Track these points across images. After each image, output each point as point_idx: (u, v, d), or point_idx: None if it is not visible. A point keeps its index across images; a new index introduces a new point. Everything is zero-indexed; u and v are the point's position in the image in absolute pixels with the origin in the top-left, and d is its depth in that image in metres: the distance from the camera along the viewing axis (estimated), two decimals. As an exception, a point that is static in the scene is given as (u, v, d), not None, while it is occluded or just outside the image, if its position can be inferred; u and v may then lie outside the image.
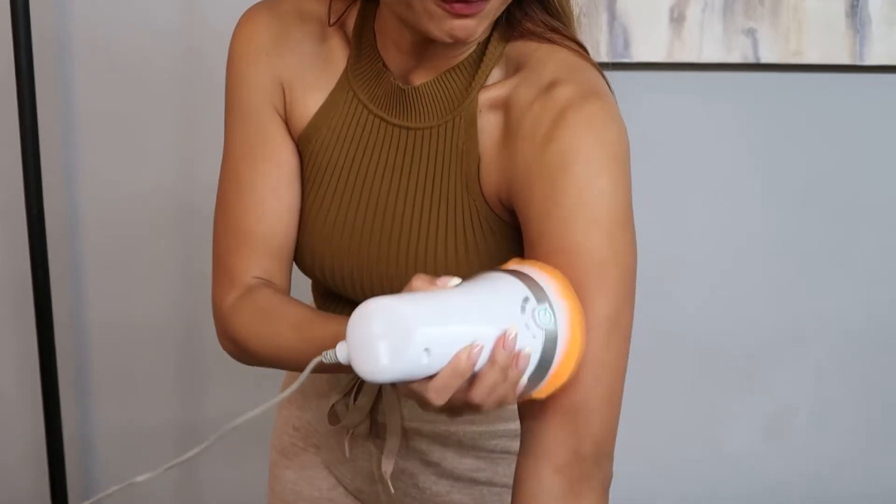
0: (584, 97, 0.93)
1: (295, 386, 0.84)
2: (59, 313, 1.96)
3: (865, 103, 1.95)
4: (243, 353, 1.08)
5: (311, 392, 1.24)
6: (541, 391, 0.88)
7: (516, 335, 0.82)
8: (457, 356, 0.80)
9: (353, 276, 1.07)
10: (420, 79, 1.01)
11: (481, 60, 0.99)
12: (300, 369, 0.89)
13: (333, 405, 1.19)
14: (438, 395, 0.81)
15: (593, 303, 0.90)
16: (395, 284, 1.03)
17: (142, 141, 1.94)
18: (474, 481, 1.20)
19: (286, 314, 1.04)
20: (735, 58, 1.88)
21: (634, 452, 2.08)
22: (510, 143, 0.96)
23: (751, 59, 1.88)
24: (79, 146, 1.95)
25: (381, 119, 1.03)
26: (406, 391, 0.83)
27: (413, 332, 0.77)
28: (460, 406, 0.84)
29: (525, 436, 0.94)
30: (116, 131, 1.94)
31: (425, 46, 0.98)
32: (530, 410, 0.93)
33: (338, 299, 1.12)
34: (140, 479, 0.87)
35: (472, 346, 0.80)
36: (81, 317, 2.04)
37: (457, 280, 0.84)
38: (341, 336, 0.84)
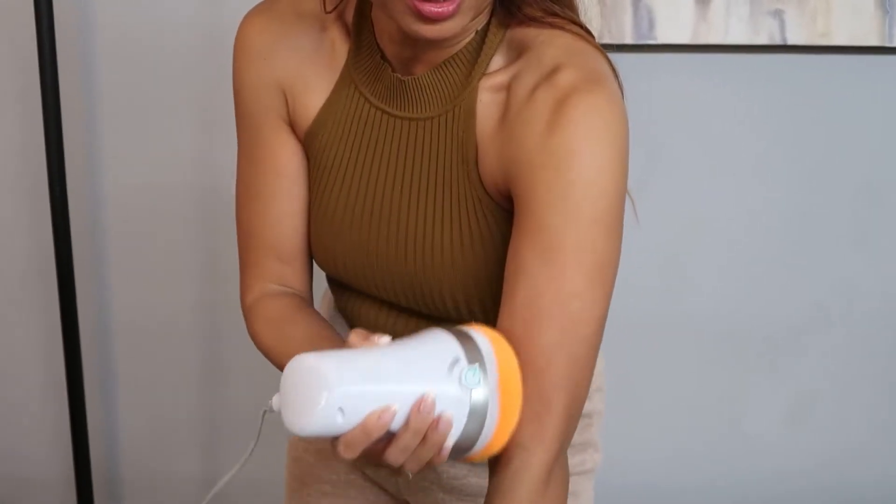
0: (587, 84, 0.92)
1: (247, 453, 0.91)
2: (84, 306, 1.97)
3: (894, 85, 1.93)
4: (265, 354, 1.12)
5: None
6: (474, 455, 0.88)
7: (433, 400, 0.82)
8: (368, 417, 0.81)
9: (365, 271, 1.07)
10: (420, 69, 1.00)
11: (481, 48, 0.98)
12: None
13: None
14: (347, 450, 0.82)
15: (587, 306, 0.91)
16: (402, 280, 1.04)
17: (165, 133, 1.95)
18: (490, 465, 1.20)
19: (296, 325, 1.07)
20: (762, 39, 1.87)
21: (653, 438, 2.09)
22: (509, 129, 0.95)
23: (778, 41, 1.87)
24: (102, 140, 1.96)
25: (384, 112, 1.03)
26: (331, 447, 0.85)
27: (329, 392, 0.79)
28: (376, 461, 0.85)
29: (508, 450, 0.93)
30: (140, 124, 1.95)
31: (416, 41, 0.96)
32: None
33: (352, 291, 1.13)
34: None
35: (385, 409, 0.81)
36: (106, 309, 2.06)
37: (387, 339, 0.85)
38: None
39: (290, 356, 0.96)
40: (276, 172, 1.08)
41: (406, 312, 1.09)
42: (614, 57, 0.99)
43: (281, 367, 1.02)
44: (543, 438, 0.92)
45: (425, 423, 0.82)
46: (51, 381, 2.07)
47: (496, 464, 0.93)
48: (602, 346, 1.18)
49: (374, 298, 1.10)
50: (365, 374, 0.82)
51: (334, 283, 1.17)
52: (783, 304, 2.04)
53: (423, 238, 1.02)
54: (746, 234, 2.01)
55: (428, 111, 1.00)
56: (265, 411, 0.86)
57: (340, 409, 0.80)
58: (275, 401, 0.84)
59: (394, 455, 0.84)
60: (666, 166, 1.92)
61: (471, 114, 0.98)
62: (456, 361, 0.84)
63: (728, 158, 1.97)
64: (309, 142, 1.07)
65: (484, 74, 0.98)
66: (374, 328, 1.06)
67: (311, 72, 1.06)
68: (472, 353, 0.85)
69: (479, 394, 0.84)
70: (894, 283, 2.04)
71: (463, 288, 1.02)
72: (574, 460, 1.13)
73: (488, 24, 0.99)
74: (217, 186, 1.91)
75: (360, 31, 1.03)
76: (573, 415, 0.94)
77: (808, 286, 2.04)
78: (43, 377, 2.08)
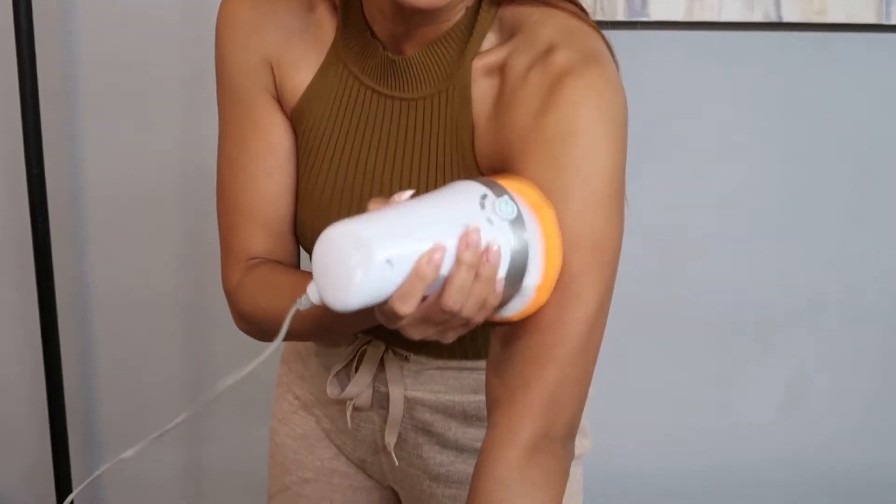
0: (583, 63, 0.91)
1: (276, 342, 0.84)
2: (62, 278, 1.96)
3: (891, 63, 1.92)
4: (254, 328, 1.08)
5: (313, 361, 1.23)
6: (527, 300, 0.87)
7: (478, 229, 0.81)
8: (418, 261, 0.80)
9: None
10: (411, 48, 0.99)
11: (473, 26, 0.97)
12: (306, 336, 0.95)
13: (335, 375, 1.18)
14: (403, 303, 0.80)
15: (586, 287, 0.90)
16: None
17: (147, 105, 1.93)
18: (478, 452, 1.18)
19: (284, 282, 1.04)
20: (756, 17, 1.85)
21: (643, 424, 2.09)
22: (505, 111, 0.94)
23: (773, 18, 1.85)
24: (81, 114, 1.94)
25: (374, 91, 1.02)
26: (381, 315, 0.83)
27: (371, 247, 0.77)
28: (441, 319, 0.83)
29: (492, 420, 0.92)
30: (121, 93, 1.93)
31: (409, 15, 0.95)
32: (502, 395, 0.92)
33: None
34: (128, 454, 0.87)
35: (433, 250, 0.80)
36: (84, 281, 2.04)
37: (410, 192, 0.84)
38: None
39: (283, 303, 0.94)
40: (267, 148, 1.06)
41: None
42: (606, 35, 0.98)
43: (275, 331, 1.01)
44: (523, 414, 0.90)
45: (476, 256, 0.81)
46: (28, 356, 2.06)
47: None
48: None
49: None
50: (402, 225, 0.81)
51: None
52: (776, 288, 2.04)
53: None
54: (739, 216, 2.00)
55: (420, 91, 0.99)
56: (296, 309, 0.83)
57: (388, 262, 0.78)
58: (310, 290, 0.81)
59: (452, 298, 0.81)
60: (657, 148, 1.92)
61: (465, 94, 0.97)
62: (484, 197, 0.84)
63: (721, 139, 1.96)
64: (296, 120, 1.06)
65: (477, 54, 0.97)
66: None
67: (299, 49, 1.04)
68: (497, 189, 0.85)
69: (517, 221, 0.84)
70: (891, 265, 2.04)
71: None
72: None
73: (479, 1, 0.97)
74: (199, 157, 1.89)
75: (349, 9, 1.02)
76: (565, 398, 0.92)
77: (803, 269, 2.03)
78: (18, 354, 2.08)
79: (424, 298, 0.82)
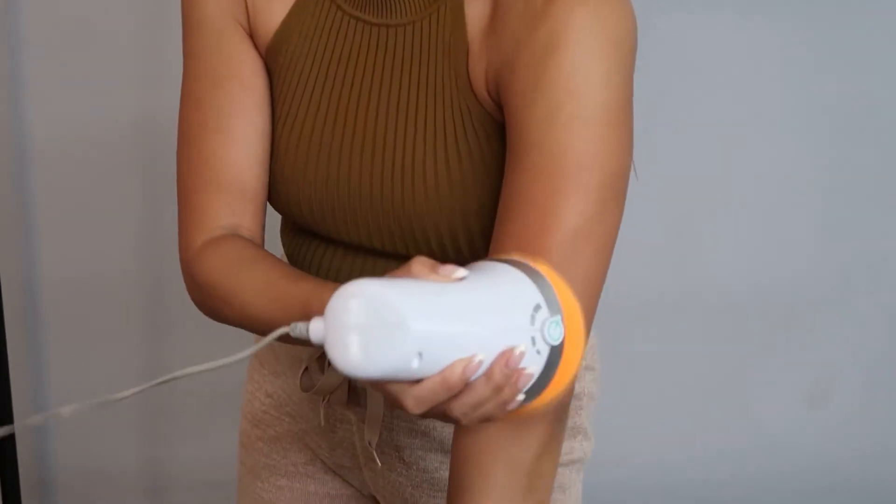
0: None
1: (248, 353, 0.78)
2: (5, 267, 1.92)
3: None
4: (209, 303, 1.03)
5: (286, 356, 1.18)
6: (524, 409, 0.83)
7: (523, 354, 0.77)
8: (451, 367, 0.75)
9: (334, 207, 1.02)
10: None
11: None
12: (263, 333, 0.89)
13: (306, 368, 1.13)
14: (417, 405, 0.77)
15: (563, 211, 0.88)
16: (378, 216, 1.00)
17: (97, 72, 1.91)
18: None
19: (255, 267, 0.99)
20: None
21: (652, 426, 2.11)
22: (499, 27, 0.92)
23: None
24: (26, 79, 1.90)
25: (357, 19, 0.99)
26: (379, 387, 0.78)
27: (408, 332, 0.71)
28: (440, 413, 0.80)
29: None
30: (68, 59, 1.90)
31: None
32: None
33: (312, 237, 1.08)
34: (66, 410, 0.80)
35: (471, 359, 0.75)
36: (32, 271, 2.01)
37: (463, 272, 0.78)
38: (313, 300, 0.85)
39: (247, 305, 0.95)
40: (241, 85, 1.02)
41: (375, 256, 1.04)
42: None
43: (231, 315, 1.00)
44: None
45: (508, 379, 0.77)
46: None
47: None
48: (595, 321, 1.13)
49: (339, 243, 1.06)
50: (447, 316, 0.75)
51: (290, 230, 1.12)
52: (801, 273, 2.01)
53: (405, 163, 0.97)
54: (760, 194, 1.98)
55: (409, 15, 0.97)
56: (283, 332, 0.77)
57: (419, 354, 0.72)
58: (313, 327, 0.75)
59: (462, 409, 0.78)
60: (670, 116, 1.90)
61: (458, 13, 0.95)
62: (537, 309, 0.78)
63: (741, 109, 1.92)
64: (271, 58, 1.03)
65: None
66: (338, 279, 1.02)
67: None
68: (551, 299, 0.79)
69: (556, 348, 0.80)
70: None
71: (449, 220, 0.98)
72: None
73: None
74: (156, 129, 1.88)
75: None
76: None
77: (830, 252, 2.00)
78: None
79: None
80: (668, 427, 2.06)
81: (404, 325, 0.71)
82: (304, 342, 0.76)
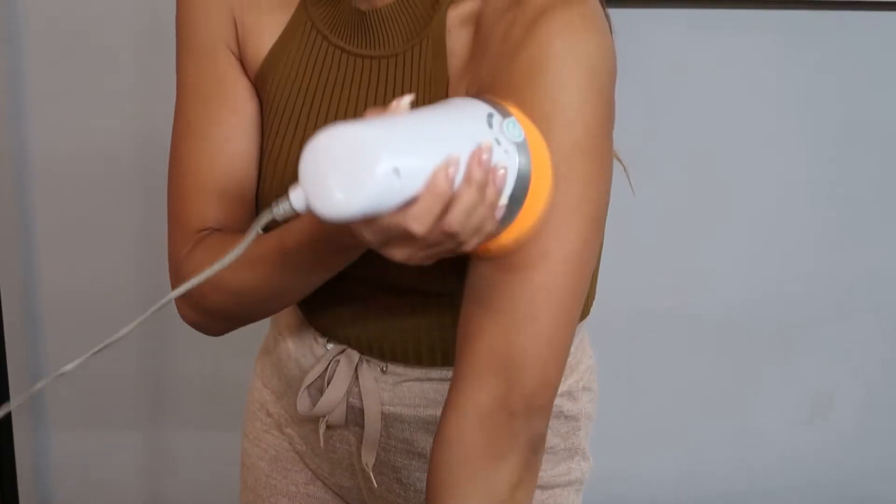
0: (564, 2, 0.89)
1: (237, 251, 0.80)
2: (5, 278, 1.93)
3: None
4: (202, 304, 1.04)
5: (287, 377, 1.18)
6: (515, 227, 0.85)
7: (490, 148, 0.79)
8: (434, 175, 0.76)
9: None
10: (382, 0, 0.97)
11: None
12: (251, 305, 0.94)
13: (305, 389, 1.13)
14: (420, 223, 0.77)
15: (546, 240, 0.88)
16: None
17: (97, 86, 1.90)
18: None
19: (234, 244, 1.00)
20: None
21: (650, 445, 2.12)
22: (479, 57, 0.93)
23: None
24: (26, 93, 1.90)
25: (342, 50, 1.00)
26: (381, 230, 0.78)
27: (380, 152, 0.73)
28: (436, 240, 0.80)
29: (452, 384, 0.92)
30: (70, 76, 1.90)
31: None
32: (463, 356, 0.91)
33: None
34: (68, 367, 0.81)
35: (447, 163, 0.76)
36: (31, 281, 2.00)
37: (409, 98, 0.80)
38: (284, 236, 0.88)
39: (231, 280, 0.96)
40: (231, 108, 1.04)
41: (359, 282, 1.04)
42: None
43: (221, 303, 1.02)
44: (476, 374, 0.90)
45: (486, 175, 0.79)
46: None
47: None
48: (592, 340, 1.15)
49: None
50: (410, 133, 0.76)
51: None
52: (801, 288, 2.01)
53: None
54: (760, 209, 1.97)
55: (392, 47, 0.98)
56: (268, 218, 0.78)
57: (396, 171, 0.73)
58: (294, 195, 0.76)
59: (458, 218, 0.78)
60: (667, 133, 1.91)
61: (440, 46, 0.96)
62: (491, 116, 0.81)
63: (739, 126, 1.92)
64: (259, 85, 1.04)
65: (451, 3, 0.96)
66: (327, 302, 1.05)
67: (265, 6, 1.03)
68: (501, 110, 0.82)
69: (522, 145, 0.82)
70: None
71: None
72: (559, 469, 1.11)
73: None
74: (153, 147, 1.89)
75: None
76: (527, 359, 0.90)
77: (830, 267, 2.00)
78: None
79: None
80: (667, 443, 2.06)
81: (372, 145, 0.73)
82: (292, 219, 0.78)
